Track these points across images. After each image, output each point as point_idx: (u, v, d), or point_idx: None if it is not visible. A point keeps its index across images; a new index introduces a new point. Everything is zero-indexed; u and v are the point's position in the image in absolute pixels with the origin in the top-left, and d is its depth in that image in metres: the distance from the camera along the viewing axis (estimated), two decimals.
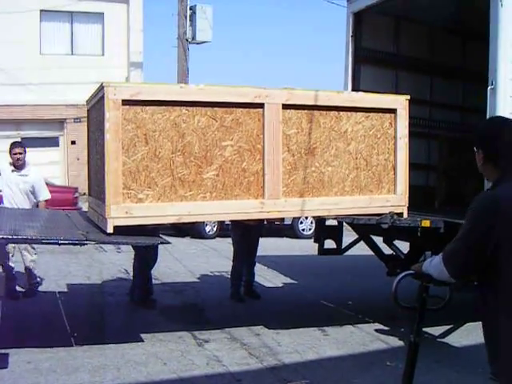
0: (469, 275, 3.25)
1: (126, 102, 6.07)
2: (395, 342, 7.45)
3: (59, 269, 11.23)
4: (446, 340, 7.62)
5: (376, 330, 7.94)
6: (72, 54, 25.31)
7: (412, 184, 7.63)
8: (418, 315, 3.56)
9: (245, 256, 9.62)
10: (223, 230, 17.03)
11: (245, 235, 9.39)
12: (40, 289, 9.48)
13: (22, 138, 24.78)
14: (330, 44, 63.03)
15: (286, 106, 6.72)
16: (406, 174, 7.41)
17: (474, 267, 3.15)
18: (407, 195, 7.42)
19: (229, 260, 10.68)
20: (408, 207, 7.46)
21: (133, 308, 8.67)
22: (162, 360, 6.58)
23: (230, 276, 9.73)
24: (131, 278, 9.53)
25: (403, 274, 3.65)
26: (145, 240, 6.55)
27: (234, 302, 9.32)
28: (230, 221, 9.38)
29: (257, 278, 10.07)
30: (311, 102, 6.86)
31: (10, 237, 5.82)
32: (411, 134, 7.57)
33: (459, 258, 3.17)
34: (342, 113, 7.05)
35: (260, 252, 9.88)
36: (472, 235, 3.12)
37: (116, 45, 25.44)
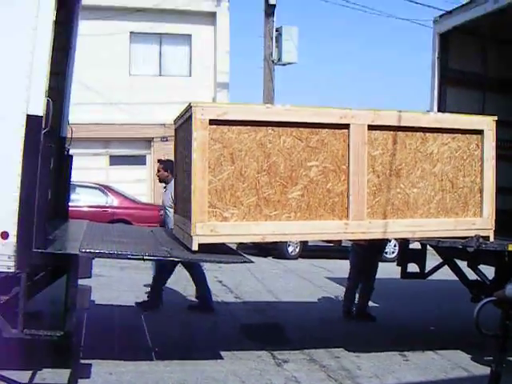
0: None
1: (213, 122, 6.15)
2: (477, 369, 7.24)
3: (143, 283, 11.41)
4: None
5: (458, 358, 7.76)
6: (160, 74, 25.87)
7: (499, 208, 7.45)
8: (500, 343, 3.47)
9: (359, 279, 9.84)
10: (306, 250, 17.04)
11: (364, 259, 9.50)
12: (124, 302, 9.69)
13: (111, 156, 25.57)
14: (417, 65, 62.46)
15: (371, 127, 6.69)
16: (493, 197, 7.24)
17: None
18: (494, 218, 7.25)
19: (309, 281, 10.68)
20: (495, 231, 7.29)
21: (214, 326, 8.75)
22: (240, 378, 6.61)
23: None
24: (213, 295, 9.71)
25: (485, 300, 3.58)
26: (228, 258, 6.60)
27: (344, 321, 9.62)
28: (353, 243, 9.57)
29: (335, 300, 9.99)
30: (397, 123, 6.81)
31: (97, 251, 5.95)
32: (499, 157, 7.40)
33: None
34: (427, 134, 6.96)
35: (342, 274, 9.84)
36: None
37: (203, 66, 25.83)
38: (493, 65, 9.93)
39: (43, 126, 5.42)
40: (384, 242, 9.10)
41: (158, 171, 10.08)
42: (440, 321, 9.73)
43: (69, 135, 8.52)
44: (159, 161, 10.45)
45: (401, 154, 6.86)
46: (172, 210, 8.67)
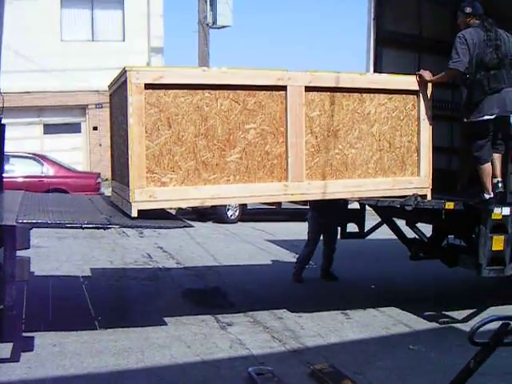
0: None
1: (148, 86, 6.04)
2: (418, 325, 7.43)
3: (82, 253, 11.30)
4: (468, 324, 7.57)
5: (399, 314, 7.92)
6: (93, 40, 25.41)
7: (435, 167, 7.56)
8: (487, 352, 3.32)
9: (317, 244, 9.89)
10: (245, 214, 17.11)
11: (324, 224, 9.58)
12: (64, 273, 9.55)
13: (45, 125, 25.10)
14: (347, 29, 62.80)
15: (308, 89, 6.66)
16: (430, 156, 7.34)
17: None
18: (431, 177, 7.36)
19: (250, 244, 10.70)
20: (432, 190, 7.41)
21: (156, 292, 8.71)
22: (185, 343, 6.60)
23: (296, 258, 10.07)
24: (154, 262, 9.63)
25: (491, 317, 3.40)
26: (168, 223, 6.56)
27: (293, 282, 9.67)
28: (311, 210, 9.55)
29: (276, 262, 10.02)
30: (334, 84, 6.80)
31: (34, 221, 5.85)
32: (434, 117, 7.49)
33: None
34: (364, 95, 6.98)
35: (282, 236, 9.90)
36: None
37: (136, 30, 25.48)
38: (427, 25, 10.00)
39: None
40: (344, 204, 9.10)
41: None
42: (380, 279, 9.89)
43: (0, 104, 8.27)
44: None
45: (338, 114, 6.87)
46: None
